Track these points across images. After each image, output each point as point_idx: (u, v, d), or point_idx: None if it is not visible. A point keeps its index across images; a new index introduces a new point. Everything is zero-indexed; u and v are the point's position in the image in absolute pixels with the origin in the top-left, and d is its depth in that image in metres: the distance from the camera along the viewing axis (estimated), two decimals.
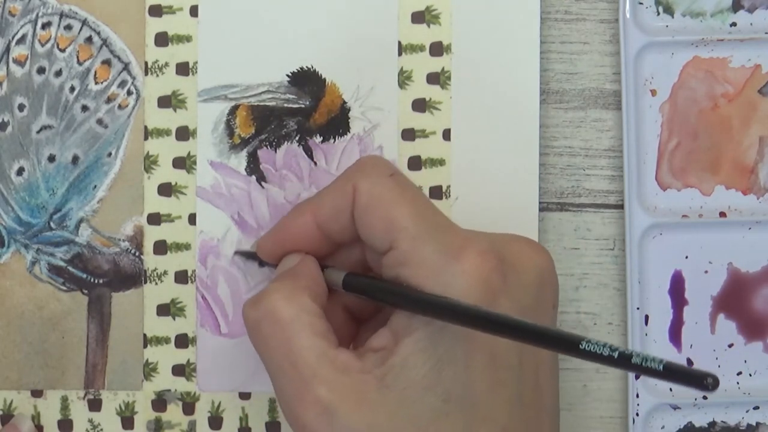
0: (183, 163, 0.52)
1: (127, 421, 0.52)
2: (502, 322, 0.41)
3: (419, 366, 0.43)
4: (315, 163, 0.52)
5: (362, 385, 0.43)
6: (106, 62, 0.52)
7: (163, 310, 0.52)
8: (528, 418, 0.44)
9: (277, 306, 0.44)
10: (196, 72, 0.52)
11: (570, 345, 0.38)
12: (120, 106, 0.52)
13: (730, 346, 0.53)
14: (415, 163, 0.52)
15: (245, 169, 0.52)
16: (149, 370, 0.52)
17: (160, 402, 0.52)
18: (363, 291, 0.46)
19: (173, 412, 0.52)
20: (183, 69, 0.52)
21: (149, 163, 0.52)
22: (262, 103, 0.52)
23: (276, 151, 0.52)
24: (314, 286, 0.46)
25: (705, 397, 0.52)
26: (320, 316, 0.45)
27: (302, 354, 0.44)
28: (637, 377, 0.52)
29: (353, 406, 0.43)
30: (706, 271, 0.53)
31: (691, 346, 0.52)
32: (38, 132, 0.52)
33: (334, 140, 0.52)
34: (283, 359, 0.44)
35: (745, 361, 0.53)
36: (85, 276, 0.52)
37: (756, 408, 0.53)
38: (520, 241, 0.46)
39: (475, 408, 0.43)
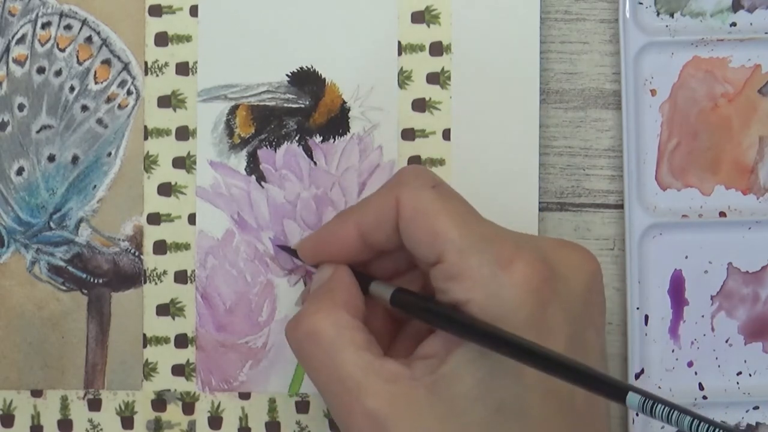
0: (183, 162, 0.52)
1: (127, 421, 0.52)
2: (553, 360, 0.40)
3: (470, 376, 0.43)
4: (315, 163, 0.52)
5: (412, 394, 0.43)
6: (106, 62, 0.52)
7: (163, 310, 0.52)
8: (581, 426, 0.44)
9: (317, 326, 0.44)
10: (196, 72, 0.52)
11: (619, 393, 0.38)
12: (120, 106, 0.52)
13: (730, 346, 0.53)
14: (415, 163, 0.52)
15: (245, 169, 0.52)
16: (149, 370, 0.52)
17: (159, 402, 0.52)
18: (411, 311, 0.46)
19: (173, 412, 0.52)
20: (183, 69, 0.52)
21: (149, 162, 0.52)
22: (261, 103, 0.52)
23: (276, 151, 0.52)
24: (351, 299, 0.46)
25: (705, 397, 0.52)
26: (360, 329, 0.45)
27: (347, 369, 0.43)
28: (636, 377, 0.52)
29: (403, 414, 0.43)
30: (705, 271, 0.53)
31: (691, 345, 0.52)
32: (38, 132, 0.52)
33: (334, 140, 0.52)
34: (330, 376, 0.44)
35: (745, 361, 0.53)
36: (84, 276, 0.52)
37: (756, 408, 0.52)
38: (569, 246, 0.46)
39: (528, 418, 0.43)
